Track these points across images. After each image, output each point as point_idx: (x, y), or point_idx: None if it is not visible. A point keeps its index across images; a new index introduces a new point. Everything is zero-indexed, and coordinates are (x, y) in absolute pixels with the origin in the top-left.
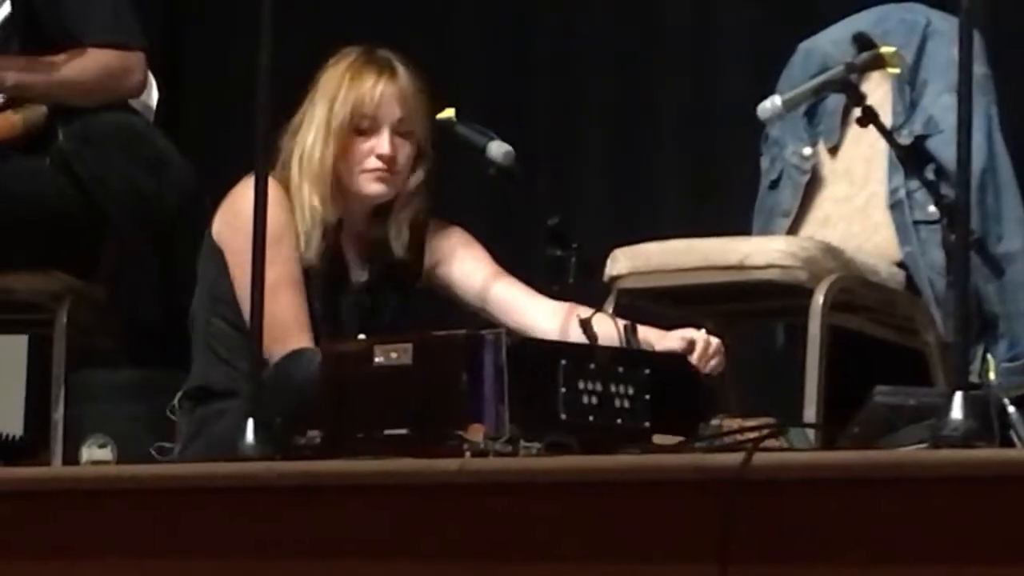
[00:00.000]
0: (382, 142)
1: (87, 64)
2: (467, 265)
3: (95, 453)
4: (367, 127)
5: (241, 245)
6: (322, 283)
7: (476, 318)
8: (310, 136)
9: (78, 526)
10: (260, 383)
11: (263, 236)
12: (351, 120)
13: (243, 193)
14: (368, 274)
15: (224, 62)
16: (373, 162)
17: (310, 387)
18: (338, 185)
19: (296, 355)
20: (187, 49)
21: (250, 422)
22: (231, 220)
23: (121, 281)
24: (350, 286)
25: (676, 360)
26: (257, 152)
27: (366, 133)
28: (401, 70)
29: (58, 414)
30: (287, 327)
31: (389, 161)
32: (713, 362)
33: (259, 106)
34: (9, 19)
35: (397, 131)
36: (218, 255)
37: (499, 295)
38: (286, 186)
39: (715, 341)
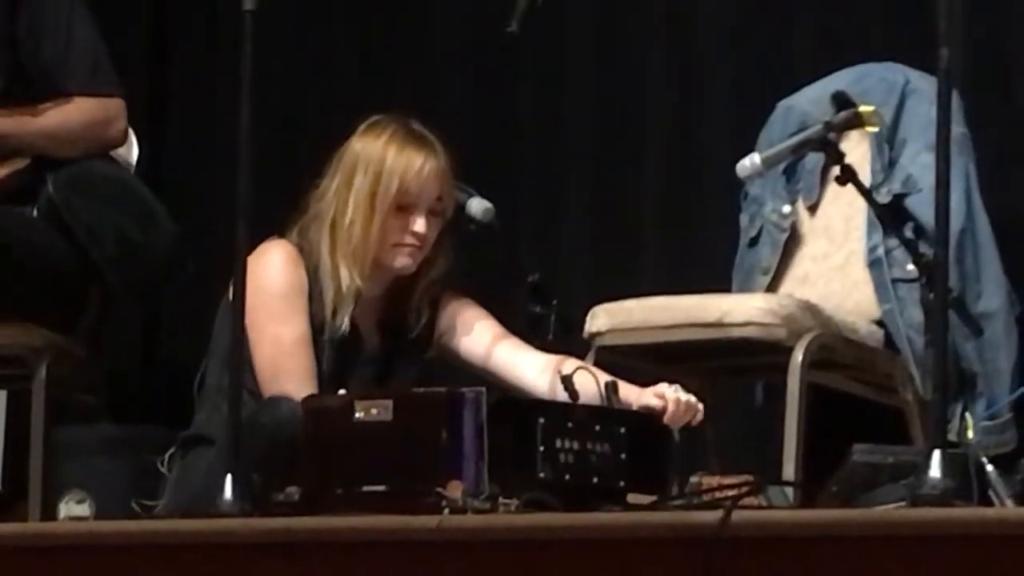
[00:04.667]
0: (419, 220)
1: (69, 114)
2: (472, 332)
3: (73, 509)
4: (408, 204)
5: (254, 308)
6: (334, 349)
7: (485, 384)
8: (349, 209)
9: None
10: (239, 438)
11: (242, 294)
12: (395, 197)
13: (258, 260)
14: (381, 344)
15: (208, 121)
16: (408, 238)
17: (280, 432)
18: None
19: (271, 401)
20: (170, 108)
21: (228, 478)
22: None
23: (102, 336)
24: (362, 354)
25: (651, 419)
26: (239, 209)
27: (404, 209)
28: (439, 148)
29: (36, 469)
30: (291, 382)
31: (422, 239)
32: (685, 419)
33: (241, 164)
34: None
35: (432, 210)
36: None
37: (499, 356)
38: (302, 249)
39: (687, 398)
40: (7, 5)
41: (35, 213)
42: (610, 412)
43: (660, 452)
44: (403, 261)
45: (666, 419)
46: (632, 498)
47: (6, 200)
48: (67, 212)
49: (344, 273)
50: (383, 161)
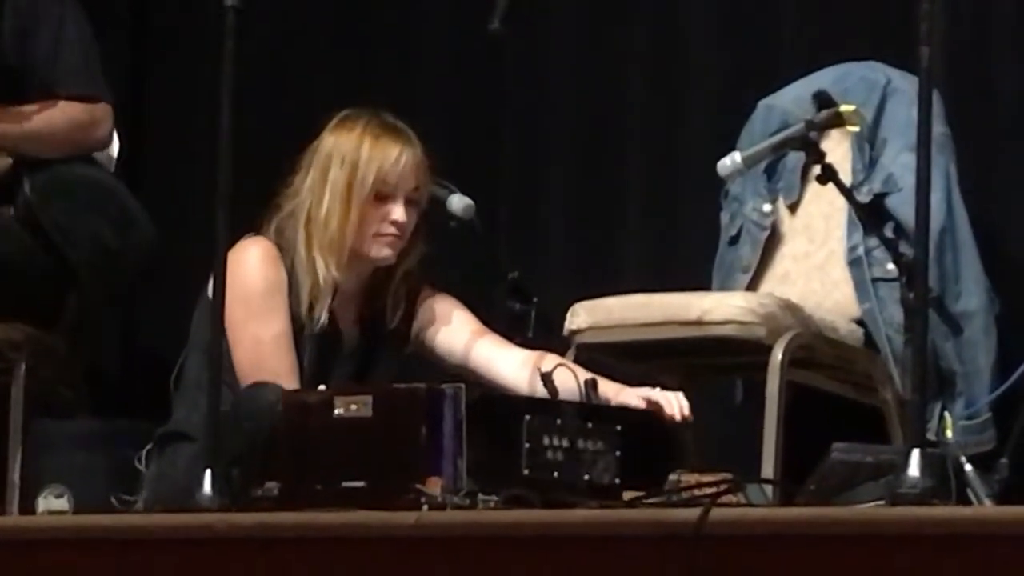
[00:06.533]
0: (398, 209)
1: (55, 116)
2: (450, 328)
3: (52, 503)
4: (386, 193)
5: (233, 305)
6: (315, 344)
7: (463, 380)
8: (324, 200)
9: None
10: (218, 433)
11: (222, 290)
12: (373, 186)
13: (237, 257)
14: (360, 338)
15: (188, 117)
16: (387, 228)
17: (264, 417)
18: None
19: (254, 388)
20: (150, 104)
21: (207, 472)
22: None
23: (81, 332)
24: (342, 350)
25: (646, 416)
26: (219, 204)
27: (382, 199)
28: (414, 138)
29: (15, 464)
30: (272, 380)
31: (402, 228)
32: (686, 412)
33: (221, 159)
34: None
35: (410, 199)
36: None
37: (478, 353)
38: (280, 246)
39: (674, 395)
40: None
41: (12, 213)
42: (603, 409)
43: (656, 449)
44: (383, 251)
45: (667, 412)
46: (628, 495)
47: None
48: (42, 214)
49: (320, 265)
50: (359, 152)
